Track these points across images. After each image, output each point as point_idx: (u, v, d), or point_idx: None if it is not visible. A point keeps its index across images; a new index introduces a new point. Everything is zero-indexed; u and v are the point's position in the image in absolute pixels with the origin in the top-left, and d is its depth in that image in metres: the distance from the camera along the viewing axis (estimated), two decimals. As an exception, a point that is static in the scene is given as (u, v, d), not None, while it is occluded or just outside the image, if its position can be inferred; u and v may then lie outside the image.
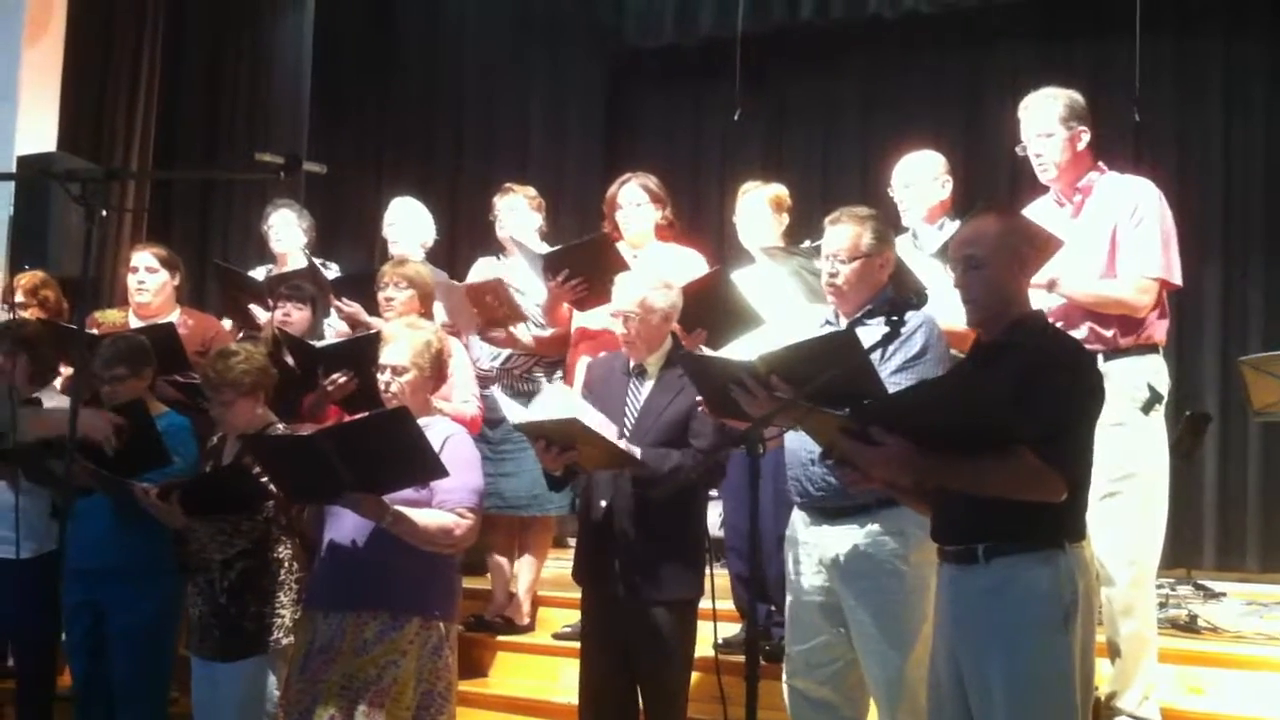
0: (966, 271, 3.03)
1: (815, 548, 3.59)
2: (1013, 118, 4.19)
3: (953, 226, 4.29)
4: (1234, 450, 7.38)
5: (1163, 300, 4.05)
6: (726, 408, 3.41)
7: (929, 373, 3.47)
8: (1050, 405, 2.83)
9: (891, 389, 3.33)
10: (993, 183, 6.28)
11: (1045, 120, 4.07)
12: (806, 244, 4.44)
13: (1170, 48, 7.57)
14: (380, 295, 4.75)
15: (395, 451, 3.61)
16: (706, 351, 4.15)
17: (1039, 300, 3.98)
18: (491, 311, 5.05)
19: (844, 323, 3.60)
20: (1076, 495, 2.92)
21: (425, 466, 3.65)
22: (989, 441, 2.80)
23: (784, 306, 4.43)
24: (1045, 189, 4.22)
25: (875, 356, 3.33)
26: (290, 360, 4.61)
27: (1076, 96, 4.11)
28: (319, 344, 4.80)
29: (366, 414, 3.88)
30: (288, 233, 5.99)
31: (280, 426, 4.12)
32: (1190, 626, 4.66)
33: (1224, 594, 5.71)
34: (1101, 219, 4.03)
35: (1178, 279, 4.03)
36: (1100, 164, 4.15)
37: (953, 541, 3.00)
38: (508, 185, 5.60)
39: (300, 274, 5.50)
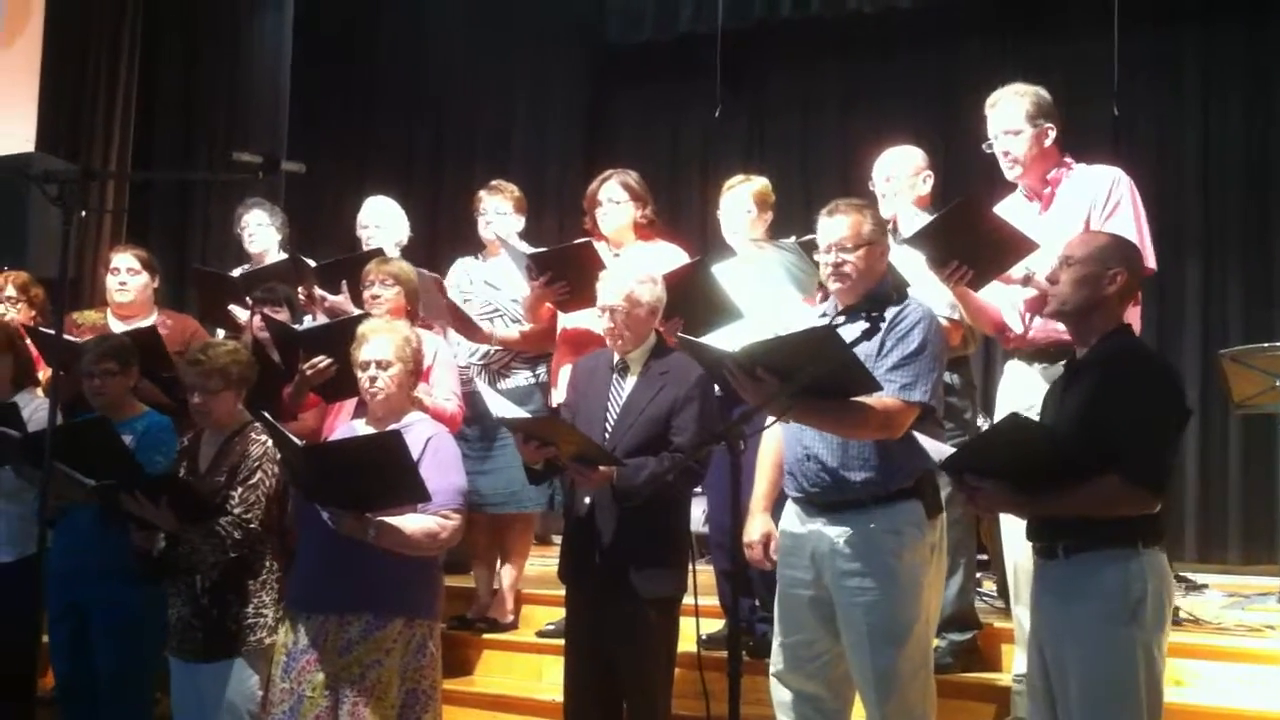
0: (1062, 267, 3.19)
1: (808, 541, 3.54)
2: (992, 113, 4.19)
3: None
4: (1214, 443, 7.39)
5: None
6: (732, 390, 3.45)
7: (925, 370, 3.42)
8: (1135, 429, 2.97)
9: (886, 385, 3.33)
10: (970, 178, 6.30)
11: (1012, 118, 4.05)
12: (792, 240, 4.42)
13: (1149, 42, 7.57)
14: (366, 294, 4.72)
15: (382, 474, 3.60)
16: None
17: (1019, 293, 4.00)
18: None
19: (840, 317, 3.50)
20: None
21: (411, 490, 3.65)
22: (1081, 469, 2.96)
23: (770, 299, 4.42)
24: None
25: (871, 352, 3.33)
26: (275, 355, 4.60)
27: (1043, 93, 4.09)
28: (299, 328, 4.78)
29: (359, 436, 3.85)
30: (262, 233, 6.03)
31: (257, 425, 4.08)
32: (1172, 619, 4.66)
33: (1205, 586, 5.73)
34: (1073, 209, 4.00)
35: (1152, 263, 4.01)
36: (1067, 158, 4.13)
37: (1038, 539, 3.20)
38: (495, 183, 5.51)
39: (273, 270, 5.46)
